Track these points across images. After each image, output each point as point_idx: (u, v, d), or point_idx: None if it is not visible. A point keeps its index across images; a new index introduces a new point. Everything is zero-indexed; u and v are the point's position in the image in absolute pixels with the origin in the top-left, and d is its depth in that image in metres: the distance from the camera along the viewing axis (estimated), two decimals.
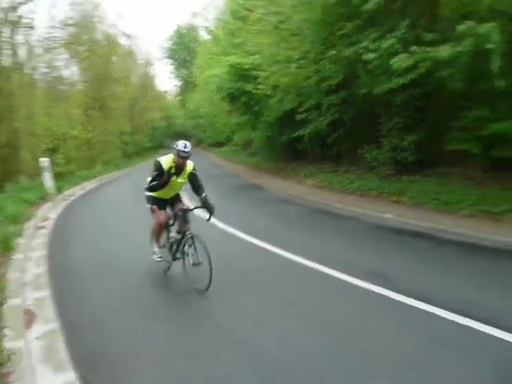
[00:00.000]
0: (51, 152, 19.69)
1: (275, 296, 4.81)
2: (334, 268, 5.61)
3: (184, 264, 5.12)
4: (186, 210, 5.04)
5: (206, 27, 39.45)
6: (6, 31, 17.83)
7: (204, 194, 5.05)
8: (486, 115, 8.17)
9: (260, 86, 14.42)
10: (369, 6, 9.03)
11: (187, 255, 4.95)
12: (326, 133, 13.31)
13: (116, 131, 30.41)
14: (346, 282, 5.16)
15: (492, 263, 5.82)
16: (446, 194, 8.88)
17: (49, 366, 3.51)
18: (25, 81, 19.22)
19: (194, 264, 4.82)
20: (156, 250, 5.62)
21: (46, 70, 22.17)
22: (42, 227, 9.03)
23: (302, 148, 15.92)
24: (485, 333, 3.73)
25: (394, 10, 9.93)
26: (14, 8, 17.70)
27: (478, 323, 3.90)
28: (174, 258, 5.47)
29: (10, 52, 18.34)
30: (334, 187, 12.37)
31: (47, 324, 4.26)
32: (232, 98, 17.64)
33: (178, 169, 5.10)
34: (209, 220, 4.98)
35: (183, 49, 58.83)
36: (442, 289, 4.80)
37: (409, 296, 4.58)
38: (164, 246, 5.68)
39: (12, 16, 17.77)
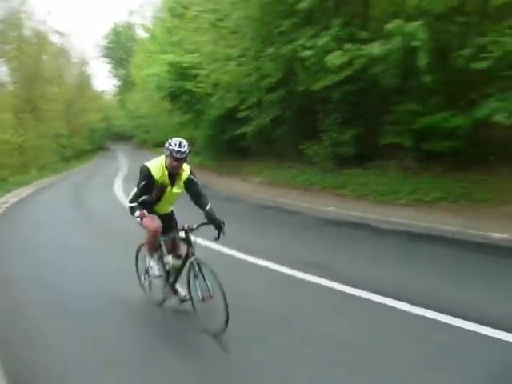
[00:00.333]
0: None
1: None
2: (274, 261, 5.58)
3: (191, 299, 3.99)
4: (189, 230, 3.89)
5: (143, 25, 38.57)
6: None
7: (209, 206, 3.92)
8: (417, 109, 8.65)
9: (200, 85, 14.31)
10: (303, 4, 9.24)
11: (195, 287, 3.80)
12: (268, 130, 13.45)
13: (50, 134, 28.95)
14: (284, 274, 5.20)
15: (427, 249, 6.18)
16: (384, 185, 9.30)
17: None
18: None
19: (203, 298, 3.73)
20: (153, 263, 4.27)
21: None
22: None
23: (246, 145, 15.99)
24: (417, 315, 3.94)
25: (328, 9, 10.23)
26: None
27: (408, 305, 4.10)
28: (173, 291, 4.32)
29: None
30: (278, 183, 12.55)
31: None
32: (173, 96, 17.37)
33: (173, 175, 3.96)
34: (217, 239, 3.85)
35: (120, 47, 57.09)
36: (375, 275, 5.04)
37: (346, 284, 4.70)
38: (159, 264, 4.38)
39: None
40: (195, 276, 3.80)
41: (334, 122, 10.92)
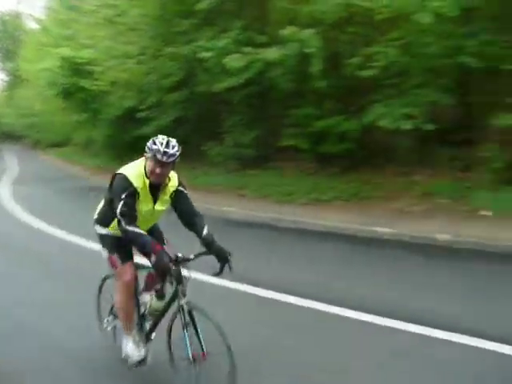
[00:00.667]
0: None
1: None
2: None
3: (173, 358, 2.92)
4: (184, 261, 2.78)
5: (32, 15, 35.53)
6: None
7: (207, 230, 2.90)
8: (313, 113, 9.07)
9: (97, 82, 13.54)
10: (202, 5, 9.20)
11: (183, 342, 2.72)
12: (170, 130, 13.14)
13: None
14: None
15: (323, 246, 6.54)
16: (284, 185, 9.62)
17: None
18: None
19: (194, 360, 2.69)
20: (132, 342, 3.07)
21: None
22: None
23: None
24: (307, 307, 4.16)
25: (228, 11, 10.30)
26: None
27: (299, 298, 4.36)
28: (147, 339, 3.16)
29: None
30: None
31: None
32: (67, 94, 16.22)
33: (155, 186, 2.92)
34: (219, 274, 2.82)
35: (8, 37, 51.92)
36: (269, 271, 5.29)
37: (242, 282, 4.76)
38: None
39: None
40: (185, 326, 2.73)
41: (235, 123, 11.04)
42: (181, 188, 3.02)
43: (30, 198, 12.70)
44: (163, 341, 2.92)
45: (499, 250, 5.60)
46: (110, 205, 2.93)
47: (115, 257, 3.01)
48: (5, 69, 54.28)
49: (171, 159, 2.78)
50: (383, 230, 6.75)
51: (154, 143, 2.80)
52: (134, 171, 2.90)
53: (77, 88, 15.48)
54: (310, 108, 9.10)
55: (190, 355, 2.68)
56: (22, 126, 46.78)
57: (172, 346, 2.91)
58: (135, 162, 3.03)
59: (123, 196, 2.75)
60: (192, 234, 2.93)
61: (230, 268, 2.81)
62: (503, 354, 3.13)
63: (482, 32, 6.90)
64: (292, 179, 9.81)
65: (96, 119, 17.16)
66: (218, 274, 2.80)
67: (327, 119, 8.63)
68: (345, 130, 8.46)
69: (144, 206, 2.91)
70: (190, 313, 2.75)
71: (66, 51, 15.60)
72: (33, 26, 37.07)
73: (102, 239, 3.12)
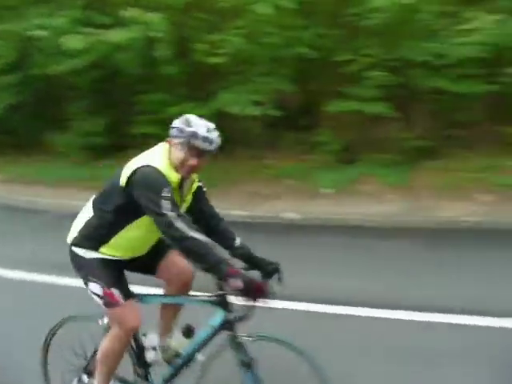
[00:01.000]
0: None
1: None
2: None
3: None
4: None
5: None
6: None
7: (238, 238, 2.38)
8: (165, 99, 8.85)
9: None
10: None
11: None
12: (4, 118, 11.59)
13: None
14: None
15: None
16: None
17: None
18: None
19: None
20: None
21: None
22: None
23: None
24: None
25: None
26: None
27: None
28: None
29: None
30: (23, 180, 10.96)
31: None
32: None
33: (181, 182, 2.22)
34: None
35: None
36: None
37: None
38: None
39: None
40: (247, 366, 2.00)
41: (82, 109, 10.19)
42: (201, 184, 2.41)
43: None
44: None
45: (342, 223, 6.28)
46: (121, 212, 2.16)
47: (114, 292, 2.15)
48: None
49: (214, 146, 2.15)
50: (237, 212, 7.00)
51: (189, 124, 2.11)
52: (164, 163, 2.13)
53: None
54: (160, 94, 8.86)
55: None
56: None
57: None
58: (153, 149, 2.26)
59: (164, 194, 1.95)
60: None
61: (281, 280, 2.22)
62: None
63: (317, 25, 7.52)
64: None
65: None
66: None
67: (179, 105, 8.51)
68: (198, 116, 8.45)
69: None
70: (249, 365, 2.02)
71: None
72: None
73: (89, 267, 2.21)
